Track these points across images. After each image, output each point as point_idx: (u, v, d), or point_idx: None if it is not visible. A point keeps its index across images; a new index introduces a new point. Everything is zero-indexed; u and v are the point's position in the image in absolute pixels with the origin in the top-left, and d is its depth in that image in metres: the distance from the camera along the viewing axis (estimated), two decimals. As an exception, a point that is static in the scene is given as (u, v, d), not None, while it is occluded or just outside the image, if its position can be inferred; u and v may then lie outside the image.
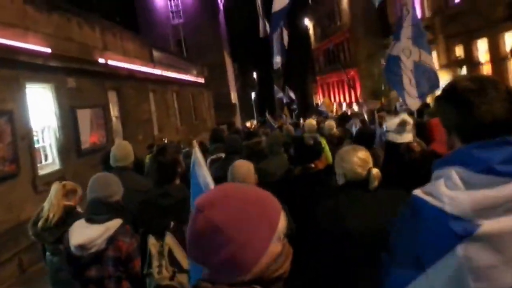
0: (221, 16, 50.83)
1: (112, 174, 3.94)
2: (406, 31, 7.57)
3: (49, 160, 12.16)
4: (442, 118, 1.62)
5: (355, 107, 38.49)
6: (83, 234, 3.34)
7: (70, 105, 12.77)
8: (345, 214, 2.84)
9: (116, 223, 3.38)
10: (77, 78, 13.29)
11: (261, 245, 1.26)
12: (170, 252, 3.46)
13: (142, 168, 5.99)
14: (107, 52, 15.96)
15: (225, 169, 4.11)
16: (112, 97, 16.55)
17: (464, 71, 22.12)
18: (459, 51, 22.57)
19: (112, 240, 3.32)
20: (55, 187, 4.25)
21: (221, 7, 51.22)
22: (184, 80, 28.26)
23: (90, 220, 3.41)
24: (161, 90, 22.75)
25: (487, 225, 1.34)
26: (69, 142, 12.66)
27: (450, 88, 1.57)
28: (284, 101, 33.40)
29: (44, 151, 12.03)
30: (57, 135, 12.16)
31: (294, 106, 34.38)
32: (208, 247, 1.24)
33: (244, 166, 3.80)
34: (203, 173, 2.58)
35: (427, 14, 26.01)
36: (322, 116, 30.17)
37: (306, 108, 58.44)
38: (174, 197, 3.74)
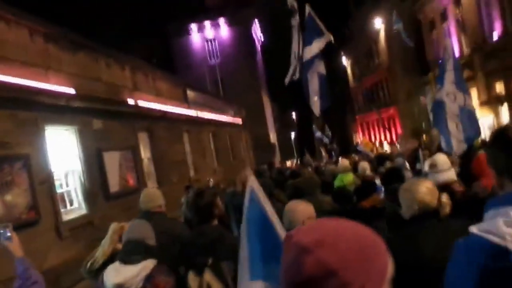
0: (259, 56, 50.71)
1: (146, 221, 3.90)
2: (449, 76, 7.88)
3: (75, 205, 11.44)
4: (493, 162, 1.64)
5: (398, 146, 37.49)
6: (120, 273, 3.35)
7: (96, 147, 12.09)
8: (423, 244, 2.78)
9: (151, 262, 3.42)
10: (104, 119, 12.66)
11: None
12: (209, 286, 3.59)
13: None
14: (137, 92, 15.39)
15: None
16: (143, 138, 15.88)
17: (505, 107, 21.36)
18: (499, 87, 21.78)
19: (149, 278, 3.34)
20: (112, 227, 4.21)
21: (259, 47, 51.15)
22: (221, 120, 27.61)
23: (125, 261, 3.41)
24: (196, 130, 22.06)
25: None
26: (96, 185, 11.93)
27: (501, 134, 1.62)
28: (324, 140, 32.49)
29: (69, 195, 11.33)
30: (82, 179, 11.44)
31: (334, 145, 33.36)
32: None
33: (302, 205, 3.70)
34: (266, 206, 2.35)
35: (466, 51, 25.36)
36: (361, 155, 29.33)
37: (346, 147, 57.47)
38: (210, 236, 3.90)
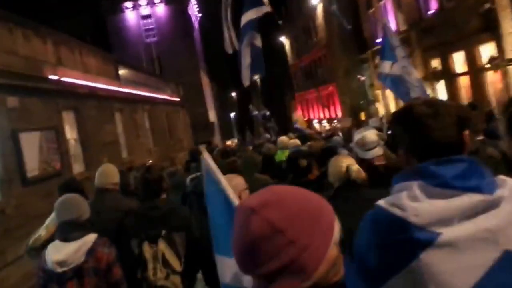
0: (196, 34, 49.22)
1: (77, 195, 3.84)
2: (400, 51, 8.43)
3: (-14, 192, 10.13)
4: (398, 138, 1.69)
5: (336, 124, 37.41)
6: (61, 251, 3.37)
7: (11, 127, 10.74)
8: (342, 212, 2.40)
9: (92, 237, 3.46)
10: (21, 97, 11.27)
11: (322, 248, 1.16)
12: (163, 256, 3.74)
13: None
14: (61, 68, 13.97)
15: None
16: (69, 117, 14.54)
17: (442, 83, 21.39)
18: (435, 63, 21.78)
19: (91, 252, 3.39)
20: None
21: (196, 26, 49.64)
22: (157, 98, 26.26)
23: (66, 239, 3.42)
24: (130, 109, 20.73)
25: (446, 233, 1.41)
26: (10, 170, 10.61)
27: (407, 111, 1.65)
28: (260, 119, 32.05)
29: (-22, 182, 10.01)
30: (-6, 163, 10.12)
31: (271, 124, 32.91)
32: (266, 251, 1.12)
33: (235, 178, 3.60)
34: (221, 179, 2.32)
35: (402, 28, 25.13)
36: (298, 133, 29.19)
37: (285, 125, 57.34)
38: (162, 209, 4.08)
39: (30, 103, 11.76)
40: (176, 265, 3.82)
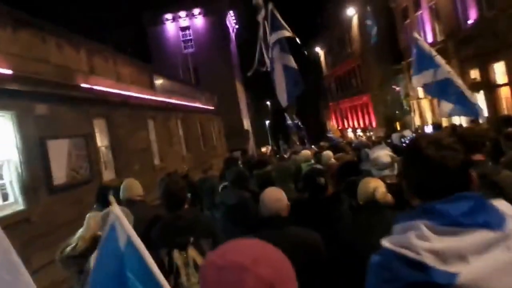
0: (233, 46, 49.03)
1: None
2: (439, 59, 8.16)
3: (11, 199, 9.83)
4: (404, 175, 1.64)
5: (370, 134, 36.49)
6: None
7: (38, 135, 10.47)
8: (365, 230, 3.22)
9: None
10: (50, 104, 11.02)
11: None
12: (195, 262, 3.77)
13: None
14: (94, 77, 13.73)
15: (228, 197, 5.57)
16: (100, 125, 14.26)
17: (481, 94, 20.13)
18: (474, 74, 20.61)
19: None
20: (89, 216, 4.15)
21: (233, 37, 49.49)
22: (191, 106, 25.97)
23: None
24: (163, 117, 20.44)
25: (465, 272, 1.34)
26: (37, 178, 10.31)
27: (413, 147, 1.60)
28: (294, 129, 31.48)
29: (3, 189, 9.72)
30: (20, 170, 9.83)
31: (303, 133, 32.36)
32: None
33: (274, 193, 3.76)
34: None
35: (439, 38, 24.18)
36: (332, 142, 28.54)
37: (319, 134, 56.58)
38: (187, 219, 4.04)
39: (60, 110, 11.50)
40: None
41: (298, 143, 30.67)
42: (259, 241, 1.28)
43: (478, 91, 20.23)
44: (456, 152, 1.53)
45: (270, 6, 10.17)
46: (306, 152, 8.86)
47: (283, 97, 9.94)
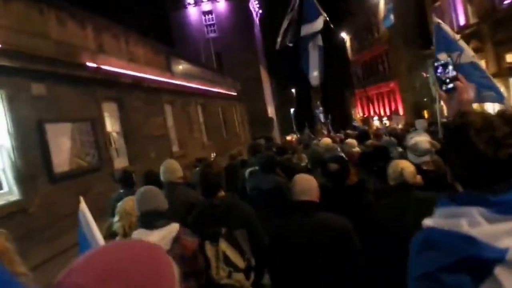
0: (257, 30, 47.43)
1: (154, 187, 3.70)
2: (463, 43, 7.72)
3: (5, 189, 8.65)
4: (451, 164, 1.53)
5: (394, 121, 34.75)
6: (148, 237, 3.21)
7: (35, 118, 9.25)
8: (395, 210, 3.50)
9: (176, 225, 3.39)
10: (49, 84, 9.78)
11: None
12: (225, 254, 3.61)
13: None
14: (102, 55, 12.46)
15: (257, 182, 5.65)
16: (110, 108, 13.02)
17: None
18: (510, 58, 19.27)
19: (177, 240, 3.31)
20: (126, 202, 3.97)
21: (257, 21, 47.87)
22: (212, 92, 24.59)
23: (150, 227, 3.33)
24: (182, 102, 19.11)
25: None
26: (34, 165, 9.08)
27: (458, 133, 1.45)
28: (319, 117, 30.28)
29: (-4, 178, 8.54)
30: (13, 156, 8.61)
31: (328, 121, 31.08)
32: None
33: (306, 180, 3.75)
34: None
35: (472, 20, 22.62)
36: (356, 130, 27.42)
37: (344, 122, 55.00)
38: (221, 207, 3.89)
39: (61, 91, 10.25)
40: (239, 262, 3.65)
41: (324, 132, 29.44)
42: (117, 246, 1.11)
43: None
44: (509, 145, 1.37)
45: None
46: (326, 140, 8.56)
47: (315, 78, 10.02)
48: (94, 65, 11.66)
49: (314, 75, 10.09)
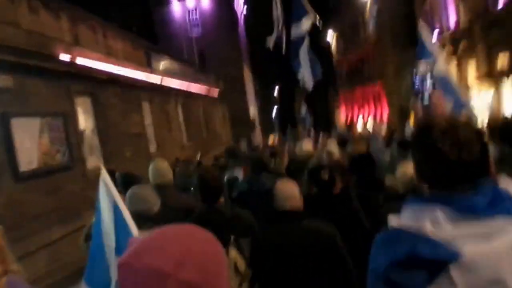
0: (241, 29, 46.97)
1: (148, 187, 3.74)
2: (438, 53, 8.04)
3: (-36, 187, 8.09)
4: (418, 166, 1.53)
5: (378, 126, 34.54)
6: None
7: (1, 111, 8.69)
8: None
9: None
10: (17, 76, 9.22)
11: None
12: (235, 264, 3.38)
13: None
14: (77, 48, 11.90)
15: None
16: (84, 104, 12.46)
17: (510, 82, 18.17)
18: (502, 59, 18.47)
19: None
20: None
21: (241, 20, 47.43)
22: (193, 90, 24.05)
23: (138, 228, 3.08)
24: (161, 99, 18.58)
25: (470, 250, 1.30)
26: (-3, 163, 8.56)
27: (427, 145, 1.46)
28: (302, 119, 30.00)
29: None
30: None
31: (310, 123, 30.91)
32: None
33: (288, 187, 3.56)
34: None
35: (463, 20, 21.99)
36: (339, 134, 27.15)
37: (328, 124, 54.71)
38: (226, 214, 3.70)
39: (30, 84, 9.69)
40: (246, 271, 3.45)
41: (308, 135, 29.17)
42: (184, 229, 1.11)
43: (508, 76, 18.39)
44: (473, 144, 1.40)
45: None
46: (307, 146, 8.24)
47: (309, 80, 9.89)
48: (68, 57, 11.10)
49: (307, 76, 10.01)
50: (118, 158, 13.28)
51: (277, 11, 11.08)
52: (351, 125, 43.91)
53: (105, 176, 2.67)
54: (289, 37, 10.19)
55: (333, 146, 8.05)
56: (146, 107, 16.81)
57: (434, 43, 8.69)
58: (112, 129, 13.48)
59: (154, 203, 3.43)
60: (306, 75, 9.88)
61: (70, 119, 11.11)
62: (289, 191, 3.51)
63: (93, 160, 12.41)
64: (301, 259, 3.33)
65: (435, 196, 1.41)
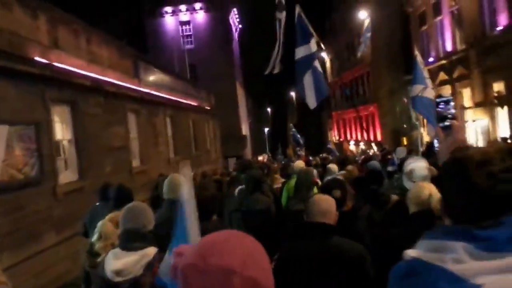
0: (235, 46, 46.30)
1: (145, 204, 3.54)
2: (430, 82, 9.79)
3: None
4: (446, 197, 1.52)
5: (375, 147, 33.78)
6: (120, 259, 3.10)
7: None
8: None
9: (152, 250, 3.15)
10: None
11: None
12: None
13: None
14: (56, 52, 10.90)
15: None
16: (62, 113, 11.42)
17: (505, 110, 17.94)
18: (498, 87, 18.32)
19: (150, 266, 3.09)
20: (106, 226, 4.05)
21: (236, 36, 46.78)
22: (183, 103, 23.04)
23: (126, 248, 3.15)
24: (148, 112, 17.56)
25: (489, 284, 1.26)
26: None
27: (461, 176, 1.43)
28: (300, 140, 29.40)
29: None
30: None
31: (301, 144, 30.23)
32: None
33: (325, 201, 3.63)
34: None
35: (460, 46, 21.97)
36: (331, 154, 26.74)
37: (320, 144, 54.13)
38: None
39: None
40: None
41: (300, 154, 28.48)
42: (236, 233, 1.26)
43: (501, 106, 17.89)
44: (506, 182, 1.37)
45: (298, 8, 9.97)
46: (300, 164, 8.40)
47: (312, 99, 9.92)
48: (45, 61, 10.09)
49: (310, 95, 10.03)
50: (96, 172, 12.21)
51: (280, 31, 11.19)
52: (341, 145, 43.22)
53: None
54: (292, 57, 10.21)
55: (333, 165, 8.13)
56: (131, 119, 15.77)
57: (425, 70, 9.55)
58: (92, 141, 12.42)
59: (149, 221, 3.30)
60: (309, 94, 9.90)
61: (44, 128, 10.04)
62: (326, 205, 3.51)
63: (67, 175, 11.33)
64: (327, 275, 3.30)
65: (456, 231, 1.39)
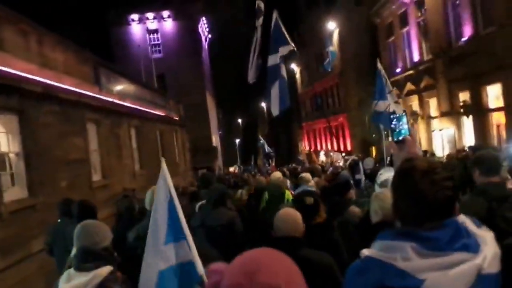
0: (205, 56, 45.22)
1: (98, 222, 3.47)
2: (392, 96, 10.10)
3: None
4: (396, 202, 1.68)
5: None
6: (71, 281, 3.02)
7: None
8: None
9: (104, 270, 3.01)
10: None
11: None
12: None
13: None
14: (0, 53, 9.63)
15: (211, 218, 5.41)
16: (9, 123, 10.12)
17: (470, 119, 18.00)
18: (464, 96, 18.36)
19: (101, 287, 2.97)
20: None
21: (205, 46, 45.71)
22: (149, 114, 21.76)
23: (79, 269, 3.06)
24: (111, 122, 16.27)
25: (430, 278, 1.46)
26: None
27: (408, 183, 1.62)
28: (267, 150, 28.58)
29: None
30: None
31: (271, 155, 29.44)
32: None
33: (292, 215, 3.65)
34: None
35: (426, 56, 22.19)
36: (300, 165, 26.27)
37: (290, 156, 53.50)
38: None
39: None
40: None
41: (268, 165, 27.64)
42: (277, 252, 1.25)
43: (467, 115, 17.66)
44: (447, 189, 1.59)
45: (275, 14, 9.90)
46: (277, 174, 8.48)
47: (275, 108, 9.82)
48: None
49: (275, 102, 9.93)
50: (49, 188, 10.93)
51: (257, 39, 10.97)
52: (310, 156, 42.51)
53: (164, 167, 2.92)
54: (265, 65, 10.20)
55: (307, 174, 8.05)
56: (92, 129, 14.48)
57: (388, 83, 9.80)
58: (45, 153, 11.12)
59: (104, 238, 3.17)
60: (274, 102, 9.80)
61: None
62: (292, 219, 3.55)
63: (14, 192, 10.03)
64: None
65: (406, 231, 1.57)
